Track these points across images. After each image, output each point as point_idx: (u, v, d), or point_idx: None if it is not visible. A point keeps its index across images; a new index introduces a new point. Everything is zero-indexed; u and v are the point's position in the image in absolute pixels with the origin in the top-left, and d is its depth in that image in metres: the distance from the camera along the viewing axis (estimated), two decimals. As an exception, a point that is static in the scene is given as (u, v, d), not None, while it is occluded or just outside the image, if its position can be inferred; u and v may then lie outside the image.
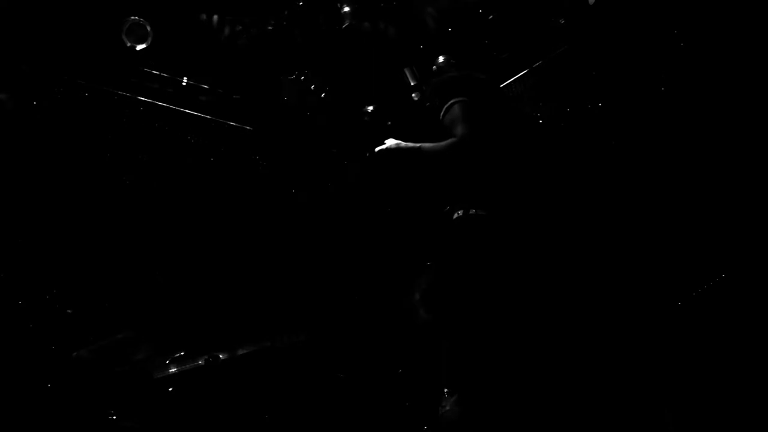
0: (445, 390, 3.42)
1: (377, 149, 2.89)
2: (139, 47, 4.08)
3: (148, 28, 4.07)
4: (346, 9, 4.18)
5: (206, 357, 4.00)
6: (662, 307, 3.56)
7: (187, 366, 3.97)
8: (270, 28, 4.29)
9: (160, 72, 4.29)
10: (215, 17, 4.25)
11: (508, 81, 4.34)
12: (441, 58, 3.36)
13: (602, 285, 3.69)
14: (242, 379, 4.08)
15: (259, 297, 4.53)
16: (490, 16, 4.20)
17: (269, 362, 4.16)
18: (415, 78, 3.99)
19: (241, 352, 4.10)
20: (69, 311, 4.02)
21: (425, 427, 3.69)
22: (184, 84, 4.36)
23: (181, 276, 4.41)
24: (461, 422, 2.71)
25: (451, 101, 2.76)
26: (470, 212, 2.68)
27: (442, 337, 3.02)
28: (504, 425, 2.62)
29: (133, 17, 4.05)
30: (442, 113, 2.79)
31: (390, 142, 2.88)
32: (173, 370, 3.94)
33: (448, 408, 2.67)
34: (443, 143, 2.71)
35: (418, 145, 2.79)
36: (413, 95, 4.06)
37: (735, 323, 3.33)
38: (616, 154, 4.02)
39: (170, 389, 3.89)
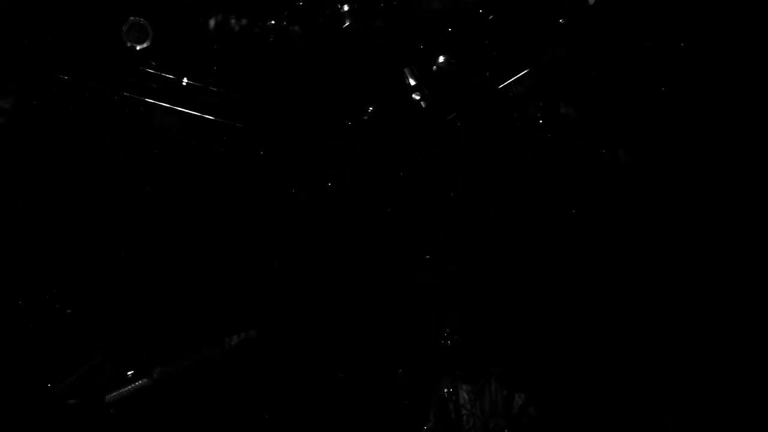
0: (445, 390, 3.43)
1: None
2: (139, 47, 4.08)
3: (148, 28, 4.07)
4: (346, 9, 4.18)
5: (205, 357, 3.99)
6: (662, 307, 3.56)
7: (187, 366, 3.97)
8: (270, 28, 4.29)
9: (160, 72, 4.29)
10: (215, 17, 4.26)
11: (508, 81, 4.34)
12: (441, 58, 3.37)
13: (602, 284, 3.69)
14: (243, 379, 4.09)
15: (260, 297, 4.53)
16: (490, 16, 4.20)
17: (270, 362, 4.16)
18: (415, 78, 3.99)
19: (240, 352, 4.10)
20: (69, 311, 4.02)
21: (425, 427, 3.69)
22: (184, 84, 4.36)
23: (181, 275, 4.41)
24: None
25: None
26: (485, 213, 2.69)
27: (451, 332, 3.03)
28: (506, 422, 2.63)
29: (133, 17, 4.05)
30: None
31: None
32: (169, 370, 3.93)
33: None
34: None
35: None
36: (413, 95, 4.07)
37: (735, 323, 3.34)
38: (616, 154, 4.02)
39: (170, 389, 3.89)
